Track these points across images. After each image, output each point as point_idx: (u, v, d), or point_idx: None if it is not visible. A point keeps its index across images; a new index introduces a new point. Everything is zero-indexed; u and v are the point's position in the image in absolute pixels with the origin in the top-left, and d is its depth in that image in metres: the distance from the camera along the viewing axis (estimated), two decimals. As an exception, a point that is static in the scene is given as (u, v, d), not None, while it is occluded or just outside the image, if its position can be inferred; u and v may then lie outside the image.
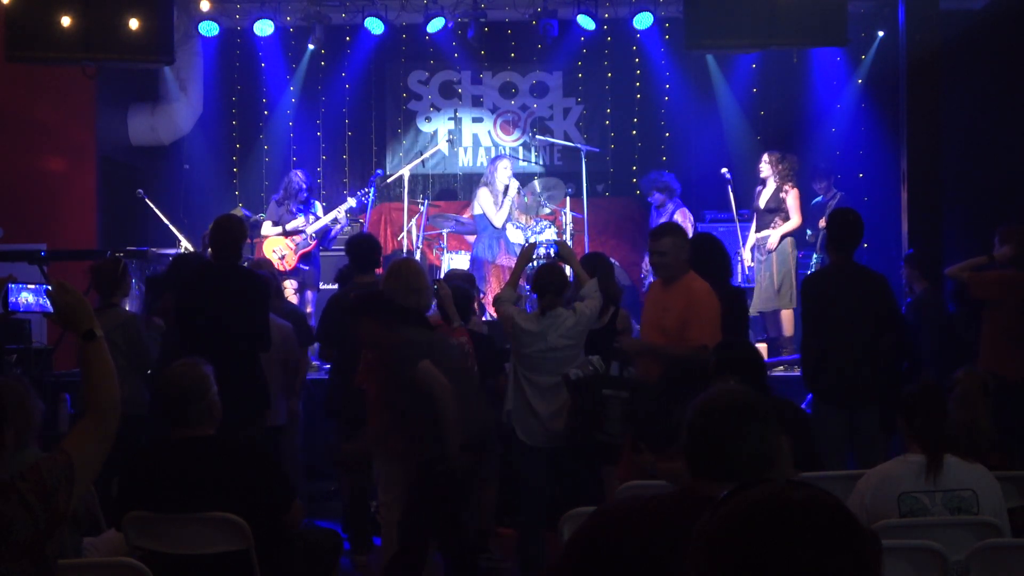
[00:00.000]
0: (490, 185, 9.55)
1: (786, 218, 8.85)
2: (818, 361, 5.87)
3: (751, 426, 2.36)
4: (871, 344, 5.76)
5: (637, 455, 4.95)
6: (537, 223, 9.66)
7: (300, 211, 9.30)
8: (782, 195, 8.86)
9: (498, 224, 9.42)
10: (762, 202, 8.98)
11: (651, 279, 9.08)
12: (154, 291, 7.17)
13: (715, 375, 4.73)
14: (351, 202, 9.50)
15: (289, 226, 9.20)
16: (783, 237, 8.81)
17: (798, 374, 7.84)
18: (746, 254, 9.26)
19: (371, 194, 9.59)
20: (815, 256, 9.41)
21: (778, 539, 1.34)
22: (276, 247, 9.26)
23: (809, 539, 1.34)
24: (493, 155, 11.31)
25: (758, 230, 9.08)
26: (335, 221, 9.38)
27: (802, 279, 6.38)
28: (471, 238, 9.95)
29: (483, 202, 9.51)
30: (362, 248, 6.69)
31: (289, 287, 8.84)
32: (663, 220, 9.07)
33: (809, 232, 9.45)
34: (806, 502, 1.38)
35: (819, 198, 9.90)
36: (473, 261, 9.52)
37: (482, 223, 9.55)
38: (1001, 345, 6.13)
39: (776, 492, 1.40)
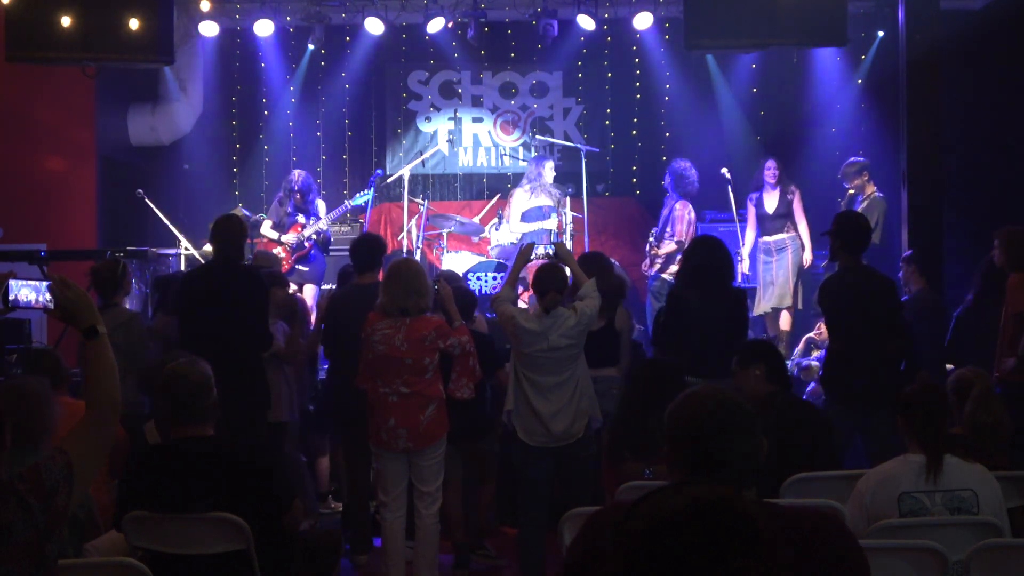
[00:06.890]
0: (533, 182, 9.57)
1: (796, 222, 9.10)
2: (835, 362, 5.95)
3: (737, 428, 2.27)
4: (882, 345, 5.82)
5: (619, 463, 4.95)
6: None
7: (300, 211, 9.22)
8: (789, 197, 9.06)
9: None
10: (770, 207, 9.11)
11: (652, 278, 9.12)
12: (163, 291, 7.17)
13: (740, 367, 4.78)
14: (348, 203, 9.46)
15: (285, 238, 9.13)
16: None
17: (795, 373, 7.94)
18: (745, 255, 9.23)
19: (371, 193, 9.55)
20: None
21: (673, 556, 1.23)
22: (275, 248, 9.20)
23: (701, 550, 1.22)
24: (535, 154, 11.20)
25: (767, 234, 9.09)
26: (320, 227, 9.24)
27: (820, 283, 6.44)
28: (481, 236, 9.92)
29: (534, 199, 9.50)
30: (362, 248, 6.64)
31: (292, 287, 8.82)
32: (665, 211, 9.27)
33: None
34: (689, 508, 1.26)
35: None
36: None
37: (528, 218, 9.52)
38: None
39: (656, 506, 1.28)
